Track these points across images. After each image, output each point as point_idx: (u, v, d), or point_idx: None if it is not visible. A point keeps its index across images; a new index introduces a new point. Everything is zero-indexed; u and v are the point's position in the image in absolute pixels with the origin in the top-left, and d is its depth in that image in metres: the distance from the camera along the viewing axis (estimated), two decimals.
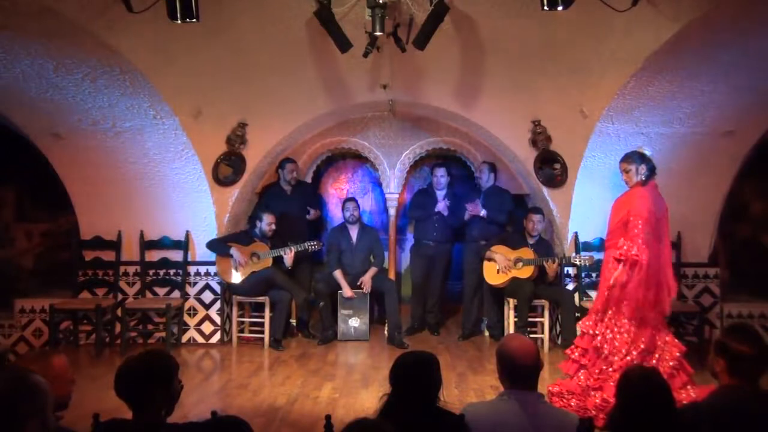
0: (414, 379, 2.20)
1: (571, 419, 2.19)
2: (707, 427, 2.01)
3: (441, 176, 6.25)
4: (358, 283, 6.02)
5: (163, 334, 5.82)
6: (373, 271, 6.05)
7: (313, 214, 6.39)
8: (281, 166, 6.27)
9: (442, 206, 6.19)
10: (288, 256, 5.84)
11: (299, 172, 6.42)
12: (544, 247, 5.85)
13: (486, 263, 5.87)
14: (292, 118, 5.97)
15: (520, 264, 5.71)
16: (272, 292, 5.85)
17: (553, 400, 3.95)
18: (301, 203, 6.37)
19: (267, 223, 5.89)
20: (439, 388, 2.23)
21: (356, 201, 6.25)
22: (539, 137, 5.77)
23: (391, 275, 6.41)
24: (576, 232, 5.88)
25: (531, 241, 5.82)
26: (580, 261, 5.54)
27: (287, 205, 6.24)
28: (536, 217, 5.77)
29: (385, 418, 2.10)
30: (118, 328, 5.88)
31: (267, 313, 5.88)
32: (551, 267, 5.58)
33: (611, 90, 4.96)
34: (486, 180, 6.15)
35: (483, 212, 6.04)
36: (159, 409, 2.05)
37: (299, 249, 5.89)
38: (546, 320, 5.77)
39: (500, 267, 5.74)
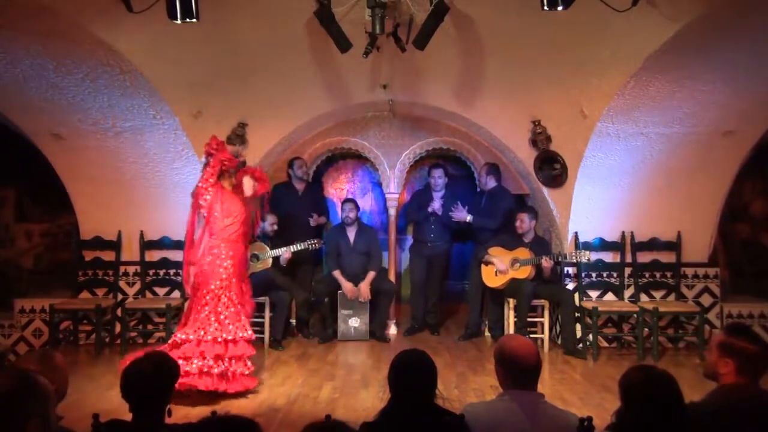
0: (410, 379, 2.19)
1: (571, 419, 2.18)
2: (714, 427, 2.00)
3: (438, 177, 6.23)
4: (358, 296, 5.97)
5: (163, 334, 5.81)
6: (370, 276, 5.98)
7: (315, 219, 6.34)
8: (290, 165, 6.29)
9: (437, 206, 6.18)
10: (284, 256, 5.84)
11: (308, 167, 6.42)
12: (542, 246, 5.84)
13: (484, 267, 5.87)
14: (292, 118, 5.97)
15: (517, 265, 5.71)
16: (272, 292, 5.85)
17: None
18: (310, 204, 6.36)
19: (270, 223, 5.91)
20: (435, 385, 2.22)
21: (354, 202, 6.23)
22: (539, 137, 5.76)
23: (392, 276, 6.39)
24: (576, 232, 5.88)
25: (527, 240, 5.81)
26: (576, 257, 5.54)
27: (296, 205, 6.24)
28: (524, 216, 5.74)
29: (386, 420, 2.10)
30: (118, 328, 5.89)
31: (267, 313, 5.87)
32: (546, 264, 5.56)
33: (611, 90, 4.97)
34: (485, 182, 6.12)
35: (469, 218, 6.02)
36: (161, 410, 2.06)
37: (300, 248, 5.88)
38: (546, 320, 5.76)
39: (498, 269, 5.74)
